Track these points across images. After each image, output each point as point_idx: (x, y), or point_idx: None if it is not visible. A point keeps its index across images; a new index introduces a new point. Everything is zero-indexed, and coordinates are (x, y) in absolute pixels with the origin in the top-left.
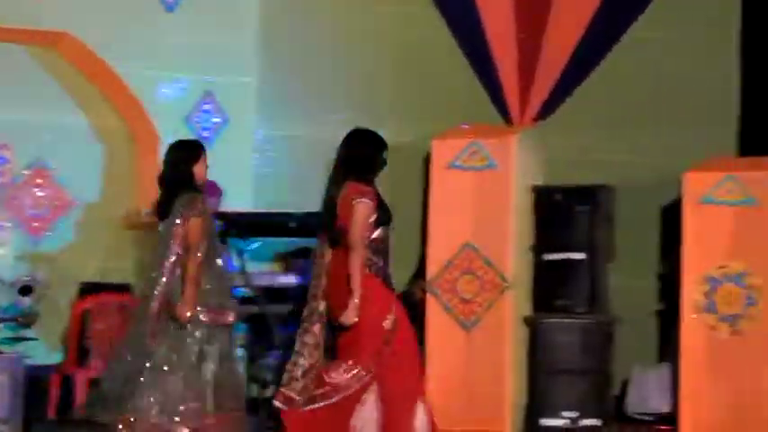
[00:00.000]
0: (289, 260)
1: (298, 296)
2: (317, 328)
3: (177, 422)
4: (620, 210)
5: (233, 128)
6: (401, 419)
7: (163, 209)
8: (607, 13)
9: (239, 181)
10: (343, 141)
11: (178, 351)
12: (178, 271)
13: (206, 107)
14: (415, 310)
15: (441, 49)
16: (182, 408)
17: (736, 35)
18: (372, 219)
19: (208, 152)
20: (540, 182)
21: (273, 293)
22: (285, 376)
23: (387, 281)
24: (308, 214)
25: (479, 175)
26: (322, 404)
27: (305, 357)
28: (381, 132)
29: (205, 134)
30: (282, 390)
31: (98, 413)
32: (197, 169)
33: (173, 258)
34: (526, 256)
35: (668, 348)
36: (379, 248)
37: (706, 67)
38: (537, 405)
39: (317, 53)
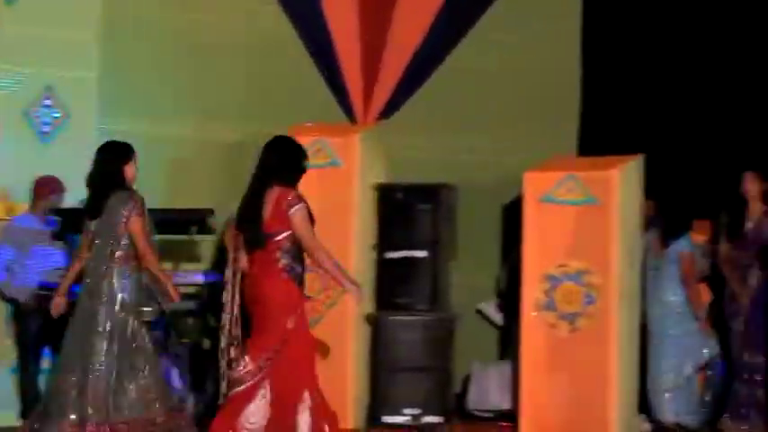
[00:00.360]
0: None
1: None
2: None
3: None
4: (461, 208)
5: (74, 123)
6: (286, 420)
7: (94, 208)
8: (449, 14)
9: (79, 177)
10: (267, 148)
11: (141, 350)
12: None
13: (46, 102)
14: None
15: (286, 47)
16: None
17: (576, 37)
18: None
19: (46, 147)
20: (382, 180)
21: None
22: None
23: (302, 287)
24: (151, 211)
25: (323, 173)
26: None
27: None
28: (227, 129)
29: (45, 129)
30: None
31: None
32: (127, 169)
33: (118, 253)
34: (368, 254)
35: (509, 346)
36: (298, 254)
37: (547, 67)
38: (379, 402)
39: (160, 49)
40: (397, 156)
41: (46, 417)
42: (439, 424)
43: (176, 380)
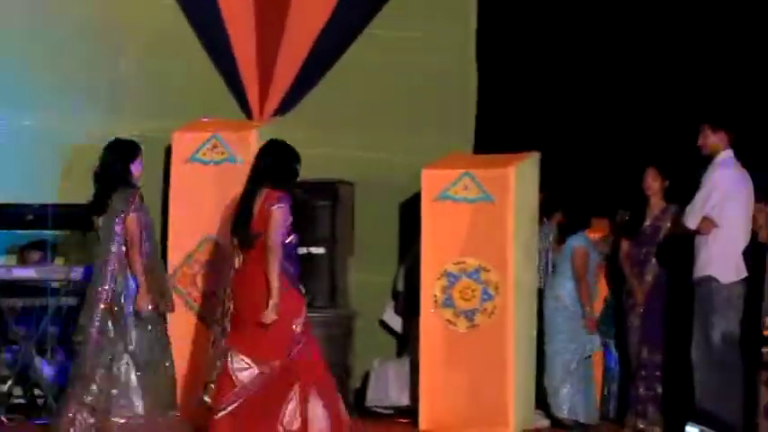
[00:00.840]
0: (25, 253)
1: (35, 290)
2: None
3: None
4: (359, 205)
5: None
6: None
7: (99, 204)
8: (346, 9)
9: None
10: (261, 152)
11: (141, 345)
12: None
13: None
14: None
15: (180, 40)
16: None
17: (472, 34)
18: (288, 223)
19: None
20: None
21: (8, 287)
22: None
23: (297, 286)
24: (44, 206)
25: (220, 169)
26: (236, 405)
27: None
28: (126, 125)
29: None
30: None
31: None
32: (134, 167)
33: (115, 250)
34: None
35: (408, 342)
36: (292, 254)
37: (444, 65)
38: None
39: (50, 40)
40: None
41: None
42: None
43: None
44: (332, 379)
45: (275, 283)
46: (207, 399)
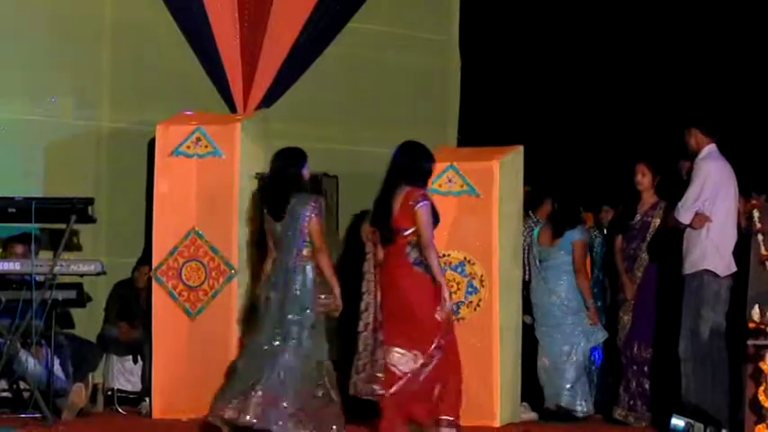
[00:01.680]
0: (9, 246)
1: (19, 283)
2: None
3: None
4: (343, 199)
5: None
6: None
7: (279, 209)
8: (329, 2)
9: None
10: (399, 152)
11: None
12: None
13: None
14: (138, 298)
15: (164, 33)
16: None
17: (455, 29)
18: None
19: None
20: (264, 170)
21: None
22: (361, 367)
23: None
24: (28, 199)
25: (204, 162)
26: (396, 388)
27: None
28: (108, 118)
29: None
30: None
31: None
32: (305, 172)
33: (305, 252)
34: (251, 244)
35: None
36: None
37: (428, 58)
38: None
39: (29, 33)
40: (279, 145)
41: (225, 397)
42: None
43: (58, 370)
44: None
45: (440, 278)
46: (377, 389)
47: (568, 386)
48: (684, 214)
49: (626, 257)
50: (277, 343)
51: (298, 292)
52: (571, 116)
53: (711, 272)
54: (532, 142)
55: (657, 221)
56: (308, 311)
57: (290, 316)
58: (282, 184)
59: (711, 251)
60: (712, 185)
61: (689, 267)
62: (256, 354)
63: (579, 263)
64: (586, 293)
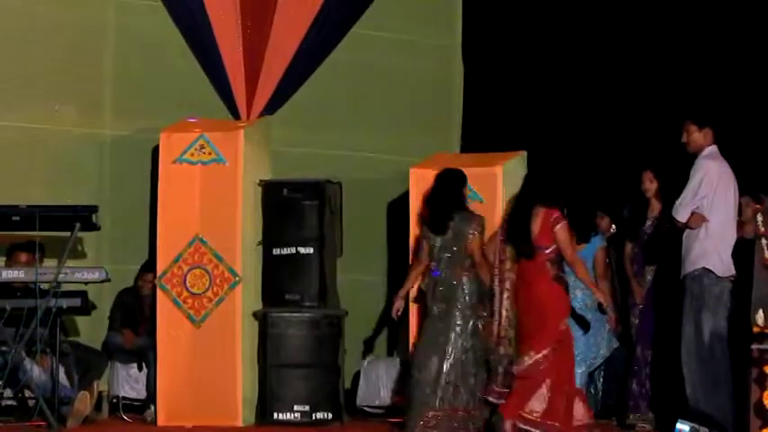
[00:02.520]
0: (14, 254)
1: (24, 291)
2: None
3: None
4: (346, 205)
5: None
6: (561, 408)
7: (441, 226)
8: (332, 9)
9: None
10: (531, 173)
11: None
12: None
13: None
14: (143, 305)
15: (167, 41)
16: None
17: (458, 34)
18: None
19: None
20: (268, 177)
21: None
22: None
23: (567, 289)
24: (32, 207)
25: (207, 169)
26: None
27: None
28: (111, 126)
29: None
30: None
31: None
32: (465, 191)
33: (467, 265)
34: (256, 250)
35: (397, 341)
36: (561, 264)
37: (430, 64)
38: (269, 399)
39: (31, 41)
40: (282, 152)
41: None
42: (328, 420)
43: (63, 378)
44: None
45: (592, 285)
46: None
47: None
48: (682, 212)
49: (636, 262)
50: (448, 354)
51: (460, 305)
52: (574, 122)
53: (711, 271)
54: (535, 148)
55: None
56: (471, 323)
57: (457, 328)
58: (446, 202)
59: (711, 251)
60: (711, 184)
61: (688, 266)
62: (428, 366)
63: (604, 268)
64: (606, 300)
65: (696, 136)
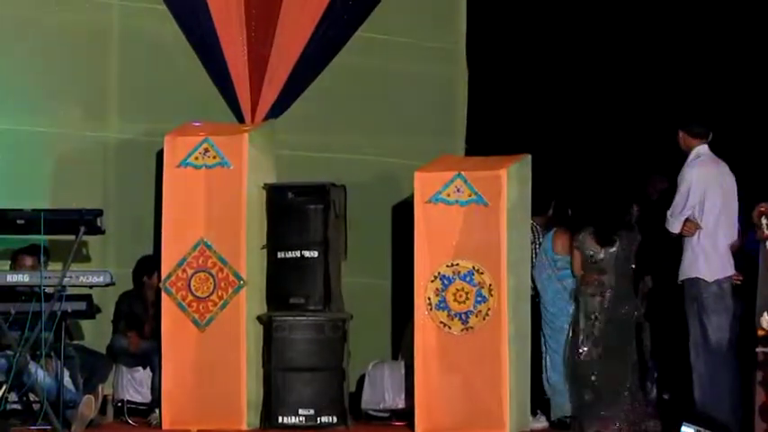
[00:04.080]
0: (19, 257)
1: (29, 295)
2: None
3: None
4: (352, 209)
5: None
6: None
7: (609, 239)
8: (336, 12)
9: None
10: None
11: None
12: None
13: None
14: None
15: (172, 45)
16: None
17: (462, 36)
18: None
19: None
20: (272, 180)
21: (1, 292)
22: None
23: None
24: (37, 211)
25: (212, 173)
26: None
27: None
28: (116, 129)
29: None
30: None
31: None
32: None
33: (629, 275)
34: (260, 254)
35: (402, 345)
36: None
37: (434, 67)
38: (274, 403)
39: (36, 44)
40: (286, 155)
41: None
42: (333, 424)
43: (68, 382)
44: None
45: None
46: None
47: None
48: (673, 223)
49: None
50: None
51: (625, 313)
52: (579, 124)
53: (701, 278)
54: (540, 151)
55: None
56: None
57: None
58: (613, 217)
59: (701, 257)
60: (697, 192)
61: (681, 274)
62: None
63: None
64: None
65: (687, 140)
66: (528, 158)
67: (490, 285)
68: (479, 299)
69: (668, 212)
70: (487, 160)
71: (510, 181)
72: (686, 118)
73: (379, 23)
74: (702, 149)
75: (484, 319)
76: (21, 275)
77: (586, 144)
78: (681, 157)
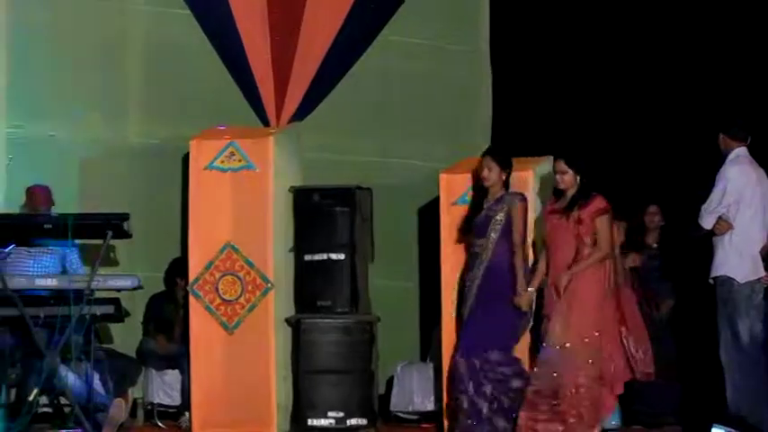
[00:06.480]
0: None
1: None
2: None
3: None
4: (378, 211)
5: None
6: None
7: None
8: (360, 14)
9: None
10: None
11: None
12: None
13: None
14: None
15: (197, 49)
16: None
17: (486, 37)
18: None
19: None
20: (298, 183)
21: (30, 296)
22: None
23: None
24: (64, 216)
25: (238, 176)
26: None
27: None
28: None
29: None
30: None
31: None
32: None
33: None
34: (287, 257)
35: (430, 347)
36: None
37: (459, 69)
38: (303, 405)
39: (68, 52)
40: (311, 158)
41: None
42: (362, 426)
43: (98, 385)
44: None
45: None
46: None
47: None
48: (707, 219)
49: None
50: None
51: None
52: (604, 125)
53: (732, 278)
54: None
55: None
56: None
57: None
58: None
59: (733, 256)
60: (734, 190)
61: (713, 271)
62: None
63: None
64: None
65: (726, 142)
66: (551, 159)
67: None
68: None
69: (702, 207)
70: (513, 161)
71: (536, 182)
72: (724, 121)
73: (403, 25)
74: (742, 151)
75: None
76: (49, 280)
77: (613, 145)
78: (710, 159)
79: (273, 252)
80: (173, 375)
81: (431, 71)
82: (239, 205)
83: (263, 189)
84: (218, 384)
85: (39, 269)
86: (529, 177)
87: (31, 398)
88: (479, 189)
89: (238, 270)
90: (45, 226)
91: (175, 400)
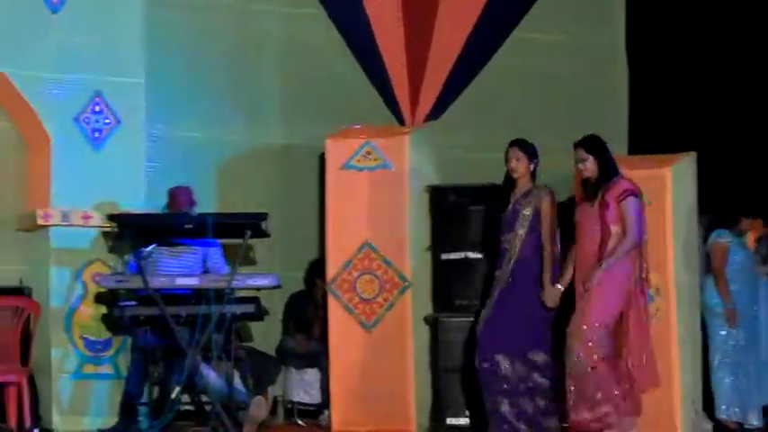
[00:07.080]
0: None
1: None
2: None
3: None
4: None
5: (124, 129)
6: None
7: None
8: (493, 14)
9: (132, 182)
10: None
11: None
12: None
13: (96, 108)
14: (317, 309)
15: (331, 49)
16: None
17: (622, 34)
18: None
19: (98, 153)
20: (434, 181)
21: (172, 295)
22: None
23: None
24: (203, 215)
25: (374, 175)
26: None
27: None
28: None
29: (96, 135)
30: None
31: None
32: None
33: None
34: (424, 255)
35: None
36: None
37: (595, 66)
38: (442, 404)
39: (206, 54)
40: (446, 156)
41: None
42: None
43: (239, 383)
44: None
45: None
46: None
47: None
48: None
49: None
50: None
51: None
52: (747, 120)
53: None
54: (706, 149)
55: None
56: None
57: None
58: None
59: None
60: None
61: None
62: None
63: (715, 264)
64: (723, 294)
65: None
66: (693, 156)
67: (657, 285)
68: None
69: None
70: (651, 159)
71: (675, 180)
72: None
73: (537, 22)
74: None
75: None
76: (190, 279)
77: (755, 142)
78: None
79: (410, 251)
80: (312, 374)
81: (566, 67)
82: (376, 204)
83: (400, 188)
84: (356, 382)
85: (181, 269)
86: (667, 175)
87: (173, 396)
88: (507, 181)
89: (376, 269)
90: (186, 226)
91: (315, 398)
